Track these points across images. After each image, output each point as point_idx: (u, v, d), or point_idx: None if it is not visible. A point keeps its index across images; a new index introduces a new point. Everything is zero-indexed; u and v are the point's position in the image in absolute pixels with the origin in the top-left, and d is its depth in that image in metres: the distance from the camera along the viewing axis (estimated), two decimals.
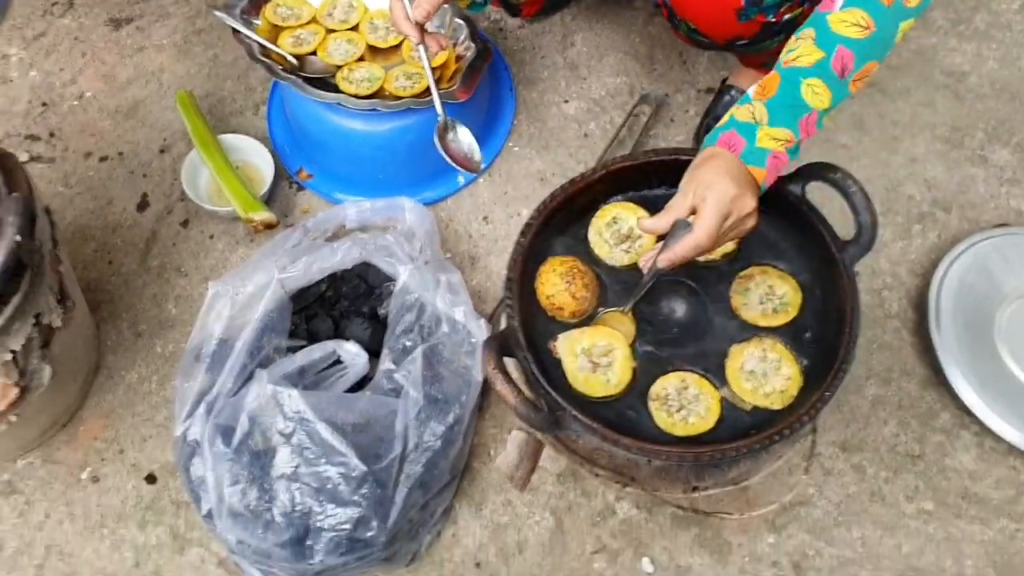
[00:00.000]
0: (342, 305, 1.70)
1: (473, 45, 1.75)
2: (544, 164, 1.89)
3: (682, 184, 1.24)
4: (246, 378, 1.53)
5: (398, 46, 1.79)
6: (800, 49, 1.21)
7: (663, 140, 1.91)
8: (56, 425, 1.64)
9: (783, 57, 1.23)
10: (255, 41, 1.74)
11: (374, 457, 1.44)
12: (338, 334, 1.67)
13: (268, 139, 1.92)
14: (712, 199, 1.17)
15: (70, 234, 1.81)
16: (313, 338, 1.66)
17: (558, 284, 1.31)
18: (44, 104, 1.98)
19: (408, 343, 1.57)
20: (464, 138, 1.59)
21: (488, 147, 1.90)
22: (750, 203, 1.20)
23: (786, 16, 1.48)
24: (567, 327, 1.32)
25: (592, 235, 1.38)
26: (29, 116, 1.96)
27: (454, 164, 1.57)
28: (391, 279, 1.68)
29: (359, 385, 1.57)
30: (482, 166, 1.51)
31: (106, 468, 1.62)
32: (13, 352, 1.39)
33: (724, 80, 1.88)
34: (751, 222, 1.22)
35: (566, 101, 1.95)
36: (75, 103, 1.98)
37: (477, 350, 1.57)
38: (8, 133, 1.93)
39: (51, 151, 1.92)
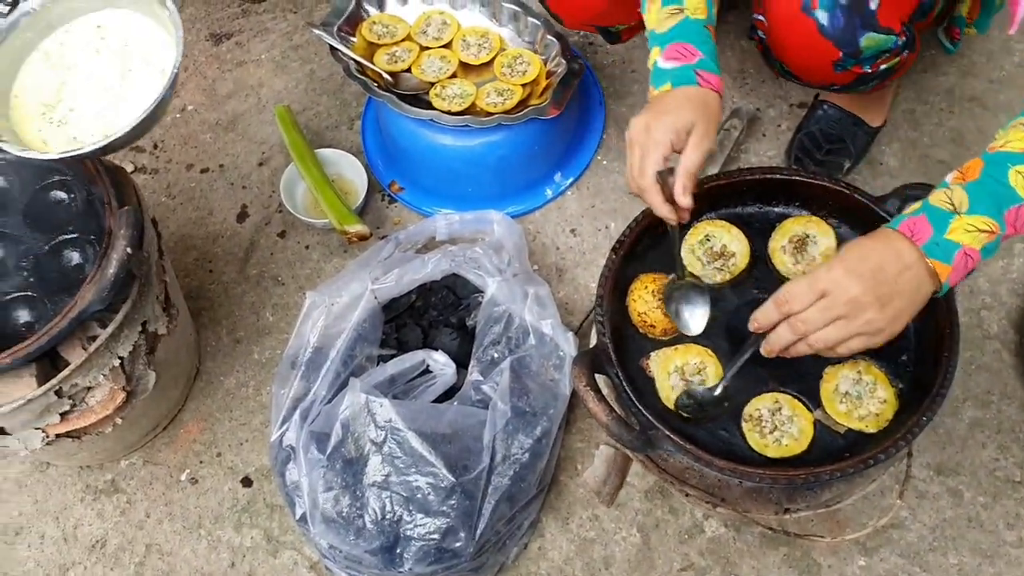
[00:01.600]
0: (430, 315, 1.73)
1: (565, 62, 1.76)
2: None
3: (834, 263, 1.10)
4: (340, 386, 1.57)
5: (490, 63, 1.81)
6: (1010, 135, 1.10)
7: (755, 155, 1.89)
8: (158, 427, 1.70)
9: (990, 145, 1.12)
10: (352, 59, 1.78)
11: (462, 468, 1.46)
12: (427, 344, 1.69)
13: (362, 153, 1.96)
14: (850, 311, 1.07)
15: (173, 243, 1.87)
16: (402, 347, 1.69)
17: (650, 301, 1.31)
18: None
19: (496, 355, 1.59)
20: (693, 310, 1.32)
21: (577, 160, 1.91)
22: (896, 326, 1.08)
23: (882, 66, 1.45)
24: (658, 344, 1.32)
25: (685, 252, 1.38)
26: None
27: (674, 320, 1.33)
28: (479, 291, 1.70)
29: (447, 395, 1.60)
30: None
31: (204, 470, 1.68)
32: (121, 358, 1.45)
33: (817, 95, 1.86)
34: (882, 340, 1.10)
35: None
36: (177, 116, 2.05)
37: (565, 363, 1.58)
38: None
39: (154, 162, 1.99)
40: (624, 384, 1.23)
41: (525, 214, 1.87)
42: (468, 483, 1.45)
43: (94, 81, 1.43)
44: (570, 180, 1.89)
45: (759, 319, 1.15)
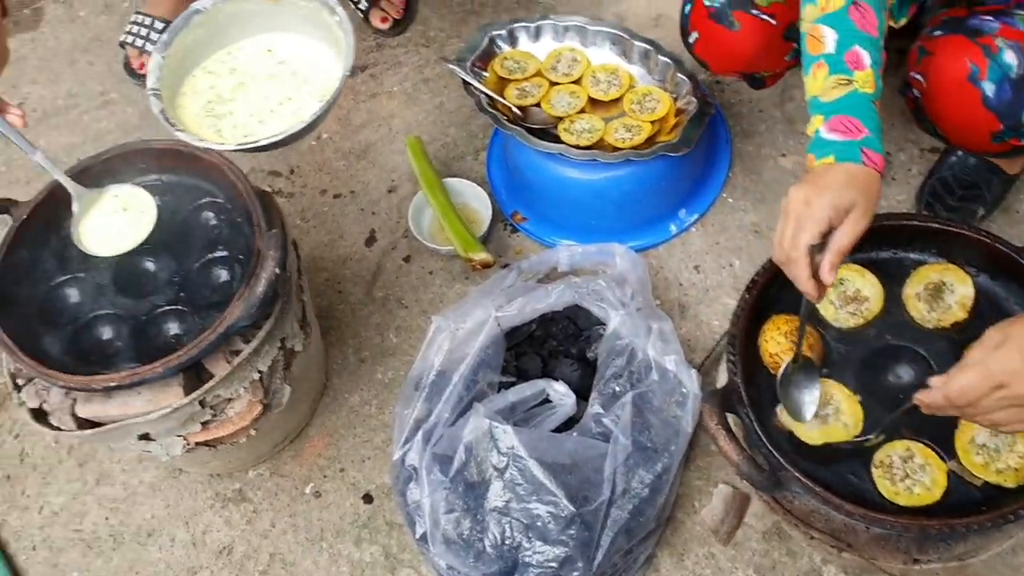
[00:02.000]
0: (550, 344, 1.76)
1: (696, 100, 1.78)
2: (759, 217, 1.89)
3: (1008, 349, 1.03)
4: (462, 410, 1.61)
5: (619, 99, 1.84)
6: None
7: (884, 199, 1.86)
8: (286, 440, 1.77)
9: None
10: (483, 93, 1.83)
11: (582, 499, 1.48)
12: (546, 373, 1.72)
13: (487, 183, 2.01)
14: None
15: (305, 264, 1.94)
16: (522, 375, 1.72)
17: (783, 343, 1.32)
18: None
19: (617, 388, 1.60)
20: (804, 395, 1.30)
21: (702, 197, 1.92)
22: None
23: None
24: None
25: None
26: (272, 154, 2.14)
27: (783, 404, 1.32)
28: (601, 323, 1.72)
29: (565, 425, 1.62)
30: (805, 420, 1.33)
31: (327, 484, 1.74)
32: (261, 372, 1.51)
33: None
34: None
35: (783, 155, 1.95)
36: (314, 143, 2.14)
37: (688, 400, 1.58)
38: (254, 168, 2.11)
39: (290, 186, 2.08)
40: (755, 424, 1.24)
41: (648, 248, 1.89)
42: (588, 514, 1.47)
43: (256, 95, 1.62)
44: (695, 216, 1.90)
45: (928, 405, 1.09)
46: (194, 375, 1.47)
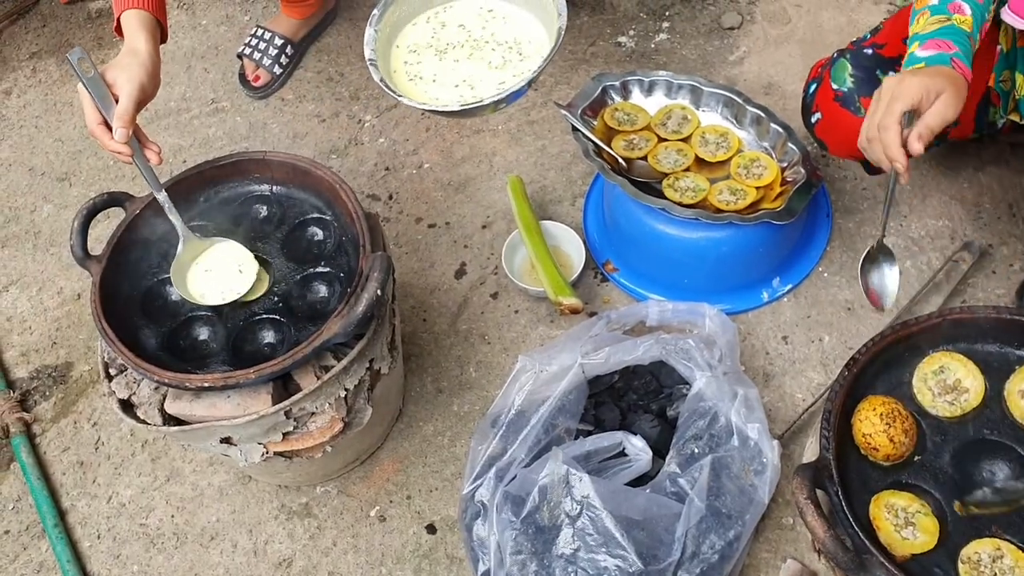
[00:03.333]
0: (629, 398, 1.75)
1: (803, 171, 1.77)
2: (853, 295, 1.86)
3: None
4: (538, 452, 1.61)
5: (725, 161, 1.84)
6: None
7: (981, 291, 1.84)
8: (357, 461, 1.78)
9: None
10: (592, 141, 1.85)
11: (651, 557, 1.46)
12: (623, 425, 1.71)
13: (581, 229, 2.02)
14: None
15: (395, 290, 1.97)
16: (599, 424, 1.71)
17: (877, 425, 1.29)
18: (387, 168, 2.19)
19: (696, 449, 1.59)
20: (887, 279, 1.56)
21: (798, 268, 1.90)
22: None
23: None
24: (879, 468, 1.30)
25: (916, 381, 1.35)
26: (373, 177, 2.18)
27: (863, 290, 1.58)
28: (684, 382, 1.71)
29: (638, 480, 1.60)
30: (886, 308, 1.57)
31: (393, 510, 1.74)
32: (347, 390, 1.53)
33: None
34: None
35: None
36: (414, 171, 2.18)
37: (767, 470, 1.55)
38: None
39: (388, 211, 2.12)
40: (843, 503, 1.21)
41: (738, 313, 1.87)
42: (655, 573, 1.45)
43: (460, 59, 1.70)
44: (788, 287, 1.89)
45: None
46: (281, 385, 1.49)
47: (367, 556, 1.70)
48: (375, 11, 1.67)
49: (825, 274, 1.91)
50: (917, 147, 1.31)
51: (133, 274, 1.57)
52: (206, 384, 1.40)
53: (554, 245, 1.97)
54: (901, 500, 1.26)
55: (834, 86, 1.68)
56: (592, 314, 1.87)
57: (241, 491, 1.80)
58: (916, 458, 1.30)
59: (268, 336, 1.53)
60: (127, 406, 1.53)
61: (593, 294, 1.96)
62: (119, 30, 1.51)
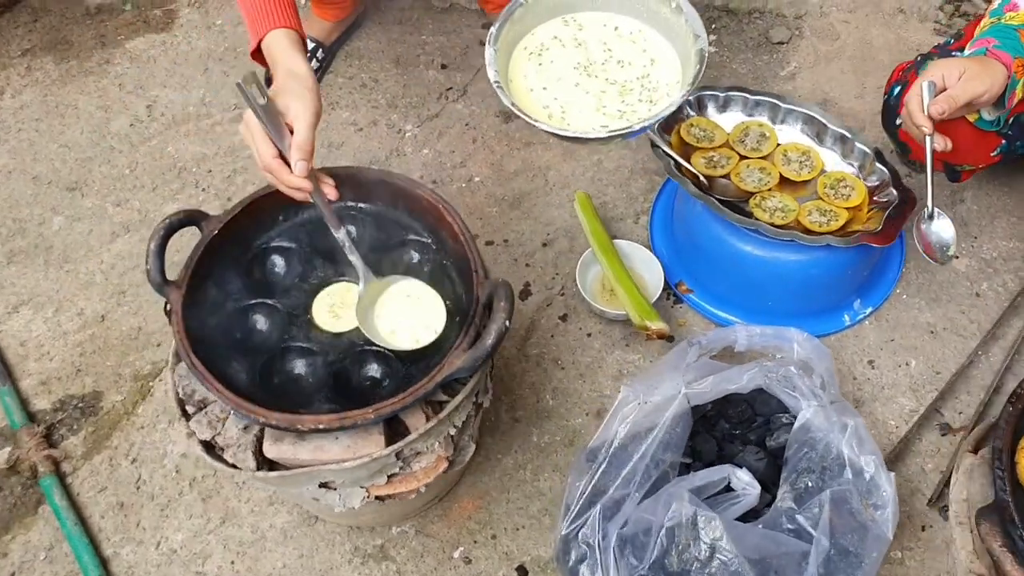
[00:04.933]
0: (722, 427, 1.68)
1: (895, 192, 1.73)
2: (934, 317, 1.83)
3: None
4: (648, 489, 1.52)
5: (809, 181, 1.78)
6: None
7: None
8: (435, 499, 1.66)
9: None
10: (672, 158, 1.77)
11: None
12: (720, 457, 1.64)
13: (647, 248, 1.94)
14: None
15: None
16: (695, 456, 1.63)
17: None
18: (434, 182, 2.07)
19: (809, 483, 1.52)
20: (943, 231, 1.63)
21: (877, 290, 1.86)
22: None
23: None
24: None
25: None
26: None
27: (922, 251, 1.63)
28: (782, 410, 1.65)
29: (745, 516, 1.53)
30: (946, 260, 1.64)
31: (478, 551, 1.62)
32: (456, 427, 1.42)
33: None
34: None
35: (956, 257, 1.91)
36: (463, 185, 2.06)
37: (888, 505, 1.50)
38: None
39: None
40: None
41: (820, 336, 1.81)
42: None
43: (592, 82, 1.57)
44: (869, 309, 1.84)
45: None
46: (388, 425, 1.36)
47: None
48: (492, 30, 1.55)
49: (904, 296, 1.87)
50: (934, 110, 1.45)
51: (215, 301, 1.42)
52: (320, 426, 1.27)
53: (628, 266, 1.88)
54: None
55: None
56: (670, 338, 1.79)
57: (308, 533, 1.66)
58: None
59: (372, 370, 1.40)
60: (209, 448, 1.39)
61: (667, 316, 1.88)
62: (258, 55, 1.37)
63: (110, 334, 1.89)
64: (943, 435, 1.70)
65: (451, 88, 2.23)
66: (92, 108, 2.23)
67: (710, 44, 2.28)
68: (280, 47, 1.34)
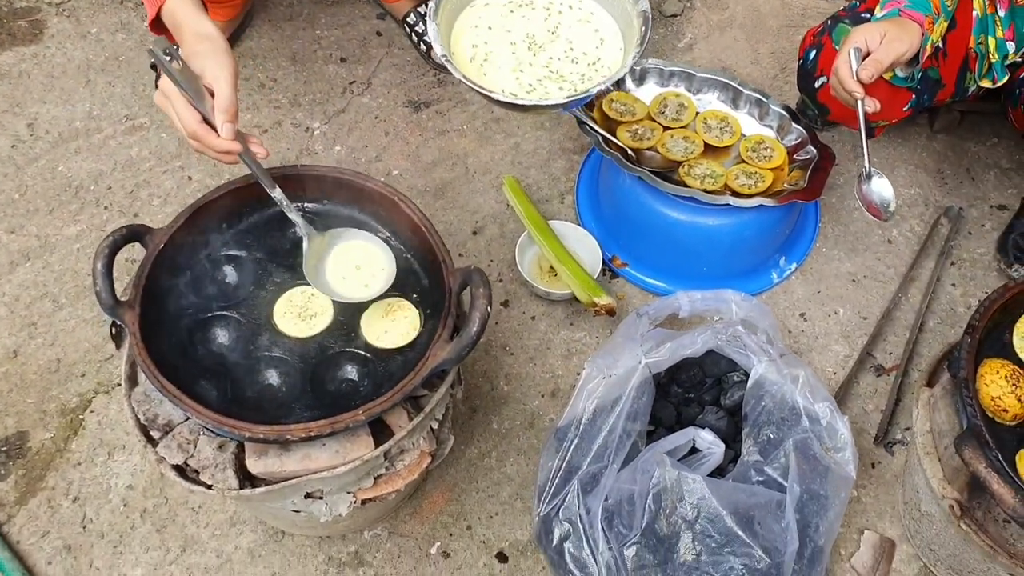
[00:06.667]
0: (676, 392, 1.72)
1: (814, 149, 1.81)
2: (854, 267, 1.93)
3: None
4: (624, 459, 1.54)
5: (732, 146, 1.84)
6: None
7: (965, 252, 1.96)
8: (405, 498, 1.63)
9: None
10: (600, 133, 1.79)
11: (774, 550, 1.44)
12: (679, 421, 1.68)
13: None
14: None
15: None
16: (656, 423, 1.67)
17: (1004, 386, 1.33)
18: None
19: (770, 435, 1.57)
20: (883, 189, 1.68)
21: (799, 246, 1.94)
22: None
23: None
24: (1006, 429, 1.33)
25: (1016, 340, 1.41)
26: None
27: (866, 209, 1.68)
28: (734, 369, 1.70)
29: (713, 474, 1.58)
30: (887, 217, 1.70)
31: (455, 544, 1.61)
32: (438, 421, 1.40)
33: None
34: None
35: (865, 211, 2.00)
36: (382, 180, 2.01)
37: (848, 446, 1.57)
38: None
39: None
40: (1006, 467, 1.24)
41: (753, 295, 1.88)
42: (783, 566, 1.43)
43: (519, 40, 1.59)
44: (794, 265, 1.92)
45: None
46: (370, 426, 1.33)
47: None
48: (431, 3, 1.52)
49: (823, 249, 1.96)
50: (863, 75, 1.52)
51: (172, 318, 1.34)
52: (311, 434, 1.22)
53: (565, 245, 1.89)
54: None
55: (838, 49, 1.72)
56: (612, 312, 1.81)
57: (276, 550, 1.60)
58: None
59: (348, 372, 1.35)
60: (181, 471, 1.32)
61: (606, 291, 1.90)
62: (156, 26, 1.30)
63: (26, 369, 1.76)
64: (878, 376, 1.80)
65: (354, 82, 2.18)
66: None
67: None
68: (184, 10, 1.29)
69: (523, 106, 1.47)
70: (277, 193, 1.32)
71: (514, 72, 1.54)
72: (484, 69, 1.54)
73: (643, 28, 1.49)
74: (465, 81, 1.45)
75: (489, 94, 1.45)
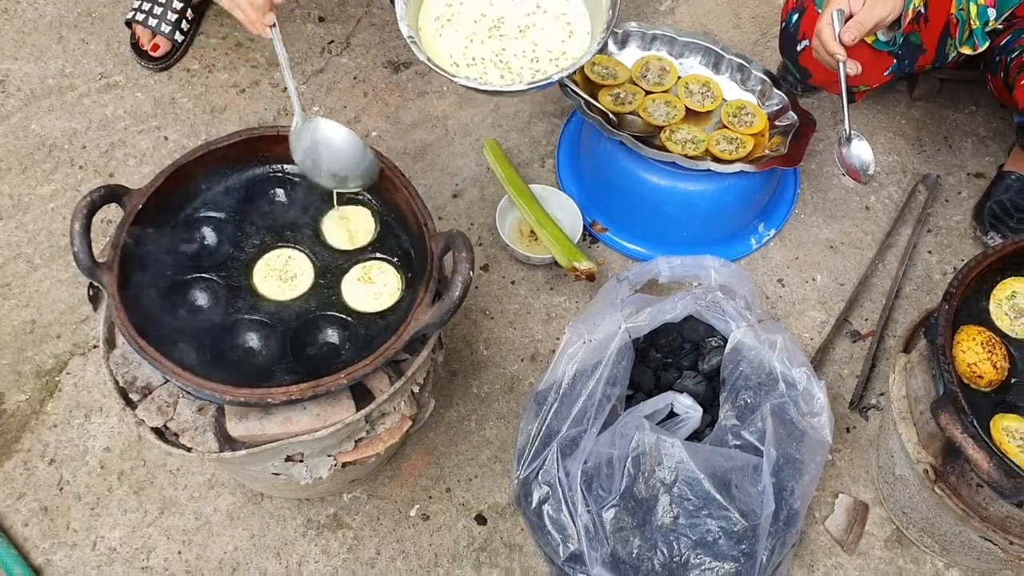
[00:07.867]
0: (654, 357, 1.72)
1: (795, 115, 1.81)
2: (832, 233, 1.94)
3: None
4: (603, 423, 1.55)
5: (713, 111, 1.84)
6: None
7: (942, 219, 1.97)
8: (384, 461, 1.63)
9: None
10: (583, 97, 1.78)
11: (750, 513, 1.45)
12: (658, 385, 1.69)
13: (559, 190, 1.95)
14: None
15: None
16: (635, 388, 1.68)
17: (980, 353, 1.35)
18: None
19: (748, 400, 1.59)
20: (863, 152, 1.69)
21: (778, 213, 1.95)
22: None
23: None
24: (981, 395, 1.35)
25: (992, 307, 1.42)
26: None
27: (846, 173, 1.71)
28: (711, 335, 1.71)
29: (690, 438, 1.59)
30: (867, 180, 1.75)
31: (434, 506, 1.62)
32: (419, 384, 1.40)
33: (1001, 167, 1.96)
34: None
35: (844, 175, 2.02)
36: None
37: (824, 412, 1.59)
38: None
39: None
40: (980, 432, 1.26)
41: (732, 260, 1.88)
42: (758, 528, 1.45)
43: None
44: (772, 231, 1.93)
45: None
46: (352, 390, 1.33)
47: (418, 560, 1.57)
48: None
49: (802, 216, 1.97)
50: (846, 36, 1.52)
51: (151, 280, 1.33)
52: (292, 397, 1.22)
53: (546, 209, 1.89)
54: (1014, 422, 1.32)
55: (820, 11, 1.71)
56: (592, 277, 1.81)
57: (255, 512, 1.60)
58: (1012, 381, 1.37)
59: (329, 335, 1.35)
60: (160, 434, 1.31)
61: (586, 256, 1.90)
62: None
63: (0, 331, 1.74)
64: (854, 342, 1.82)
65: (332, 41, 2.15)
66: None
67: None
68: None
69: (484, 91, 1.48)
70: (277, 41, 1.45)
71: (466, 39, 1.56)
72: (443, 30, 1.54)
73: (610, 12, 1.49)
74: (428, 64, 1.46)
75: (452, 78, 1.45)
